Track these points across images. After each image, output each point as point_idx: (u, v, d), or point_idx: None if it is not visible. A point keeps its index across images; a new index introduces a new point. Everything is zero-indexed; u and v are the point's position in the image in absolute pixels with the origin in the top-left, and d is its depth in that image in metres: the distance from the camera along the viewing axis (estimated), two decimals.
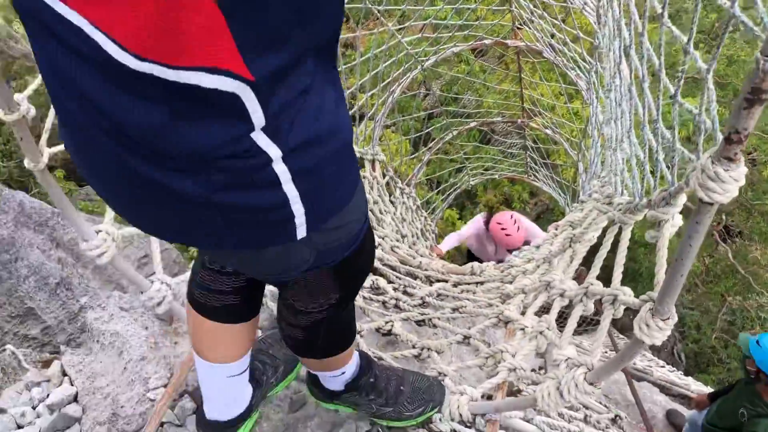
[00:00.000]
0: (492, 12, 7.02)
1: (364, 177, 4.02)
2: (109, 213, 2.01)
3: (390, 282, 2.85)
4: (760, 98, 1.05)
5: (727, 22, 1.14)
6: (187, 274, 2.24)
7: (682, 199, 1.60)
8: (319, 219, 1.06)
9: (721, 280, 11.42)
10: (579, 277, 2.78)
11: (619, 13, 2.16)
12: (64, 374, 2.55)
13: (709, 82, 1.25)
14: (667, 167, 1.59)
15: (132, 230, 2.10)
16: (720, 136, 1.17)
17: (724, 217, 11.92)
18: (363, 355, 1.98)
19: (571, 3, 3.31)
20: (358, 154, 4.01)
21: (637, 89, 1.95)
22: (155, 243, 2.19)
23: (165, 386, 2.40)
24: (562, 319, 2.39)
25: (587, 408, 3.15)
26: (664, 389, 5.73)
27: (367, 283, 2.76)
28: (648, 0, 1.62)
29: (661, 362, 6.77)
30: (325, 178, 1.01)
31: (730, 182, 1.16)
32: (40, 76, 1.74)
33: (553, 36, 4.47)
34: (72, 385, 2.48)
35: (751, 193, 11.81)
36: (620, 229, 2.12)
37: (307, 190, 0.99)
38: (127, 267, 1.99)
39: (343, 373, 1.89)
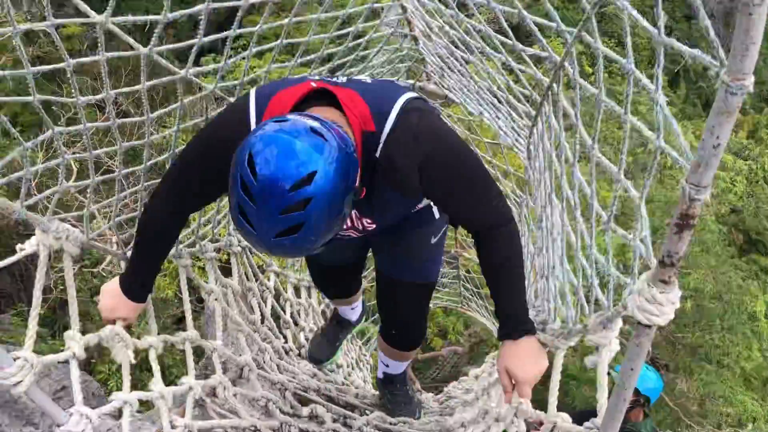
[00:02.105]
0: None
1: (299, 303, 3.94)
2: (29, 340, 1.89)
3: (328, 411, 2.74)
4: (688, 224, 1.10)
5: (656, 153, 1.22)
6: (108, 407, 2.10)
7: (619, 323, 1.62)
8: None
9: (652, 413, 11.46)
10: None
11: (550, 146, 2.29)
12: None
13: (642, 210, 1.31)
14: (603, 292, 1.63)
15: (51, 359, 1.98)
16: (654, 261, 1.22)
17: (650, 349, 12.16)
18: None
19: (504, 140, 3.51)
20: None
21: (569, 217, 2.03)
22: (75, 372, 2.05)
23: None
24: None
25: None
26: None
27: (305, 412, 2.65)
28: (578, 133, 1.73)
29: None
30: None
31: (667, 304, 1.19)
32: None
33: None
34: None
35: (674, 327, 12.19)
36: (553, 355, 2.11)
37: None
38: (44, 397, 1.85)
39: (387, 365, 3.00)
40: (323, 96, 1.74)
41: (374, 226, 2.09)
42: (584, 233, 1.80)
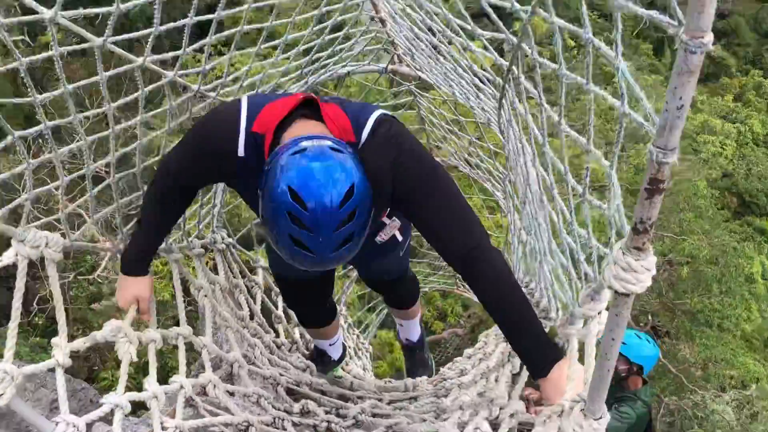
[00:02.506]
0: None
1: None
2: (8, 352, 1.86)
3: (321, 405, 2.71)
4: (658, 188, 1.08)
5: (621, 120, 1.19)
6: (96, 412, 2.07)
7: (607, 294, 1.59)
8: None
9: (654, 381, 11.51)
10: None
11: (519, 131, 2.25)
12: None
13: (613, 178, 1.29)
14: (589, 265, 1.61)
15: (32, 369, 1.95)
16: (628, 228, 1.19)
17: (650, 317, 12.21)
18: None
19: (479, 118, 3.48)
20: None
21: (548, 196, 2.00)
22: (60, 380, 2.02)
23: None
24: None
25: None
26: None
27: (297, 408, 2.62)
28: (543, 111, 1.70)
29: None
30: None
31: (642, 272, 1.16)
32: None
33: (469, 153, 4.64)
34: None
35: (672, 294, 12.23)
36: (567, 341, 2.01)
37: None
38: (27, 408, 1.83)
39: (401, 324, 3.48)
40: (306, 108, 1.85)
41: None
42: (564, 210, 1.77)
